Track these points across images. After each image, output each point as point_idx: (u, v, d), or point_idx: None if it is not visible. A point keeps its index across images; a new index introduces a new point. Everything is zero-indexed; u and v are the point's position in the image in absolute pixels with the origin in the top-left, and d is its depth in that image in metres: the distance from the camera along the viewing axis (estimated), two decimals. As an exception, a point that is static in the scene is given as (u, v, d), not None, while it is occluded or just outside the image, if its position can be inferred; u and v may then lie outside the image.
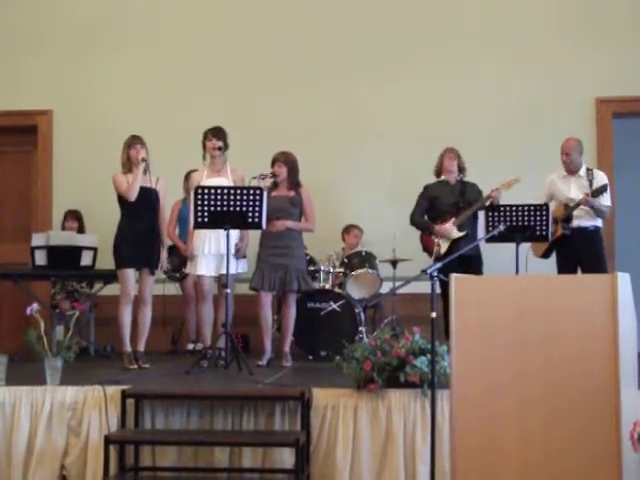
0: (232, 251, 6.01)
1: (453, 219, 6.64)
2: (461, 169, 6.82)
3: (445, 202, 6.72)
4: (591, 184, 6.51)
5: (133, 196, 6.04)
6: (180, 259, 6.96)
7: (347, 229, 7.53)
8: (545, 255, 6.71)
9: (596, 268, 6.28)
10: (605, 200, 6.49)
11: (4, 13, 8.33)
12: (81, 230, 7.57)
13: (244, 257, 6.32)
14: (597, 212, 6.48)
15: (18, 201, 8.32)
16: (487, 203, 6.41)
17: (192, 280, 7.05)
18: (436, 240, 6.67)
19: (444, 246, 6.61)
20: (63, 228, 7.58)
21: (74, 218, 7.61)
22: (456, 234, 6.59)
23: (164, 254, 6.29)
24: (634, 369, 3.64)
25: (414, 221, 6.83)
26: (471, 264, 6.25)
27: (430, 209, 6.80)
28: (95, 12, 8.26)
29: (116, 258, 6.14)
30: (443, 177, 6.82)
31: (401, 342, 4.68)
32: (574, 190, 6.56)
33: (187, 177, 6.98)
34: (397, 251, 7.13)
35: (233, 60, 8.09)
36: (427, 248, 6.77)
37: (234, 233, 6.08)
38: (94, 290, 7.47)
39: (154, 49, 8.19)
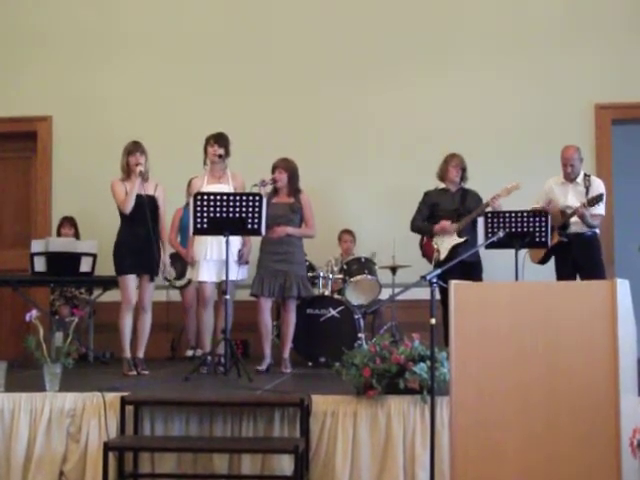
0: (234, 257, 6.03)
1: (454, 225, 6.63)
2: (463, 178, 6.82)
3: (445, 209, 6.72)
4: (587, 191, 6.51)
5: (128, 209, 6.04)
6: (183, 266, 6.96)
7: (339, 235, 7.54)
8: (542, 262, 6.71)
9: (595, 274, 6.28)
10: (599, 209, 6.48)
11: (3, 19, 8.34)
12: (76, 237, 7.56)
13: (247, 263, 6.31)
14: (587, 224, 6.45)
15: (17, 207, 8.33)
16: (487, 210, 6.40)
17: (193, 287, 7.05)
18: (435, 246, 6.67)
19: (444, 252, 6.60)
20: (59, 234, 7.56)
21: (70, 224, 7.60)
22: (456, 240, 6.59)
23: (166, 260, 6.29)
24: (634, 376, 3.64)
25: (415, 227, 6.83)
26: (471, 271, 6.24)
27: (430, 216, 6.79)
28: (94, 17, 8.29)
29: (116, 265, 6.14)
30: (444, 185, 6.81)
31: (400, 348, 4.67)
32: (571, 197, 6.56)
33: (190, 184, 6.98)
34: (396, 257, 7.14)
35: (233, 64, 8.11)
36: (427, 254, 6.77)
37: (236, 239, 6.09)
38: (93, 296, 7.47)
39: (154, 54, 8.20)
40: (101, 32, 8.26)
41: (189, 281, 7.04)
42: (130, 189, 6.06)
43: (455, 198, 6.76)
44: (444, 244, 6.64)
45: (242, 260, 6.22)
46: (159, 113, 8.07)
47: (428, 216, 6.80)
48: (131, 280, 6.09)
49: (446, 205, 6.73)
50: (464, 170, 6.80)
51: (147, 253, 6.06)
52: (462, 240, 6.57)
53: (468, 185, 6.86)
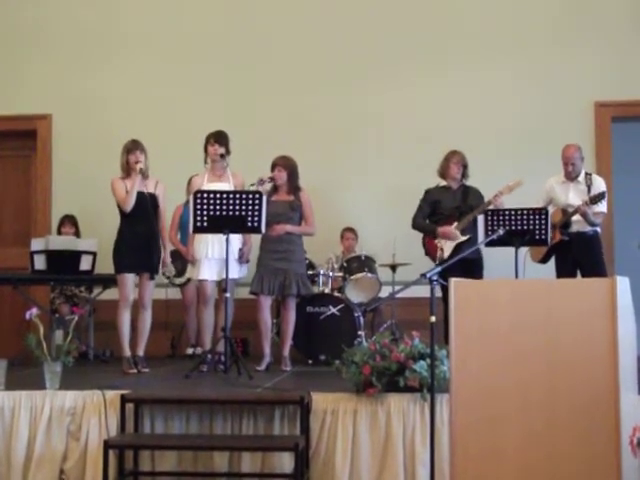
0: (235, 256, 6.03)
1: (455, 223, 6.64)
2: (464, 175, 6.82)
3: (447, 206, 6.72)
4: (589, 189, 6.51)
5: (129, 207, 6.05)
6: (183, 264, 6.96)
7: (342, 233, 7.54)
8: (543, 260, 6.71)
9: (596, 272, 6.26)
10: (601, 207, 6.48)
11: (4, 17, 8.34)
12: (77, 235, 7.57)
13: (248, 262, 6.32)
14: (589, 223, 6.46)
15: (17, 205, 8.33)
16: (489, 207, 6.39)
17: (193, 285, 7.05)
18: (439, 244, 6.67)
19: (447, 250, 6.60)
20: (59, 233, 7.57)
21: (71, 223, 7.61)
22: (460, 238, 6.60)
23: (167, 258, 6.30)
24: (634, 373, 3.64)
25: (416, 224, 6.82)
26: (472, 268, 6.25)
27: (432, 213, 6.79)
28: (95, 16, 8.29)
29: (115, 263, 6.15)
30: (445, 182, 6.81)
31: (400, 346, 4.67)
32: (572, 196, 6.57)
33: (190, 182, 6.98)
34: (397, 255, 7.14)
35: (233, 63, 8.11)
36: (430, 252, 6.77)
37: (237, 238, 6.09)
38: (93, 294, 7.47)
39: (154, 53, 8.20)
40: (101, 32, 8.26)
41: (189, 279, 7.04)
42: (130, 187, 6.06)
43: (456, 195, 6.76)
44: (448, 242, 6.63)
45: (243, 259, 6.23)
46: (159, 113, 8.06)
47: (429, 214, 6.80)
48: (129, 278, 6.10)
49: (447, 202, 6.73)
50: (465, 167, 6.80)
51: (147, 251, 6.06)
52: (465, 238, 6.57)
53: (468, 184, 6.86)
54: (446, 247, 6.63)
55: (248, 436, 4.68)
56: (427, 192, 6.85)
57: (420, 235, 6.86)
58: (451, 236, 6.61)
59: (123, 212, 6.14)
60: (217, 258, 6.09)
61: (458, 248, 6.52)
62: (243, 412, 4.70)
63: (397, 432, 4.53)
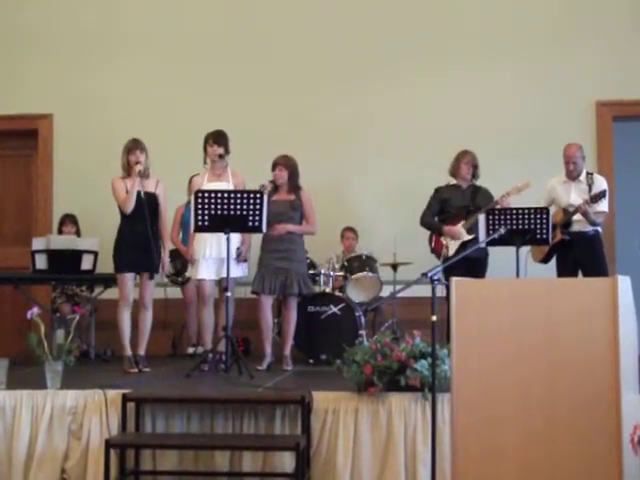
0: (234, 255, 6.03)
1: (462, 222, 6.65)
2: (474, 175, 6.83)
3: (455, 205, 6.74)
4: (590, 189, 6.51)
5: (129, 208, 6.05)
6: (183, 263, 6.97)
7: (342, 232, 7.55)
8: (544, 260, 6.71)
9: (597, 272, 6.28)
10: (602, 206, 6.49)
11: (4, 17, 8.34)
12: (78, 234, 7.57)
13: (245, 261, 6.32)
14: (590, 222, 6.46)
15: (18, 205, 8.33)
16: (497, 207, 6.39)
17: (193, 284, 7.06)
18: (444, 242, 6.68)
19: (452, 248, 6.61)
20: (60, 232, 7.57)
21: (72, 222, 7.61)
22: (465, 237, 6.60)
23: (166, 258, 6.31)
24: (635, 372, 3.65)
25: (425, 222, 6.84)
26: (475, 267, 6.29)
27: (440, 211, 6.81)
28: (95, 16, 8.29)
29: (115, 262, 6.16)
30: (456, 181, 6.82)
31: (401, 345, 4.68)
32: (574, 195, 6.57)
33: (191, 181, 6.99)
34: (398, 254, 7.15)
35: (234, 63, 8.12)
36: (436, 249, 6.79)
37: (235, 237, 6.09)
38: (94, 294, 7.48)
39: (154, 53, 8.21)
40: (101, 32, 8.26)
41: (189, 278, 7.05)
42: (131, 186, 6.07)
43: (465, 195, 6.78)
44: (453, 240, 6.64)
45: (240, 258, 6.22)
46: (159, 113, 8.07)
47: (438, 212, 6.82)
48: (129, 278, 6.11)
49: (456, 201, 6.75)
50: (475, 167, 6.82)
51: (147, 250, 6.05)
52: (471, 237, 6.58)
53: (479, 184, 6.86)
54: (451, 245, 6.65)
55: (249, 435, 4.68)
56: (437, 190, 6.87)
57: (422, 234, 6.89)
58: (457, 235, 6.62)
59: (123, 212, 6.14)
60: (215, 257, 6.10)
61: (463, 246, 6.53)
62: (244, 411, 4.71)
63: (398, 431, 4.54)
